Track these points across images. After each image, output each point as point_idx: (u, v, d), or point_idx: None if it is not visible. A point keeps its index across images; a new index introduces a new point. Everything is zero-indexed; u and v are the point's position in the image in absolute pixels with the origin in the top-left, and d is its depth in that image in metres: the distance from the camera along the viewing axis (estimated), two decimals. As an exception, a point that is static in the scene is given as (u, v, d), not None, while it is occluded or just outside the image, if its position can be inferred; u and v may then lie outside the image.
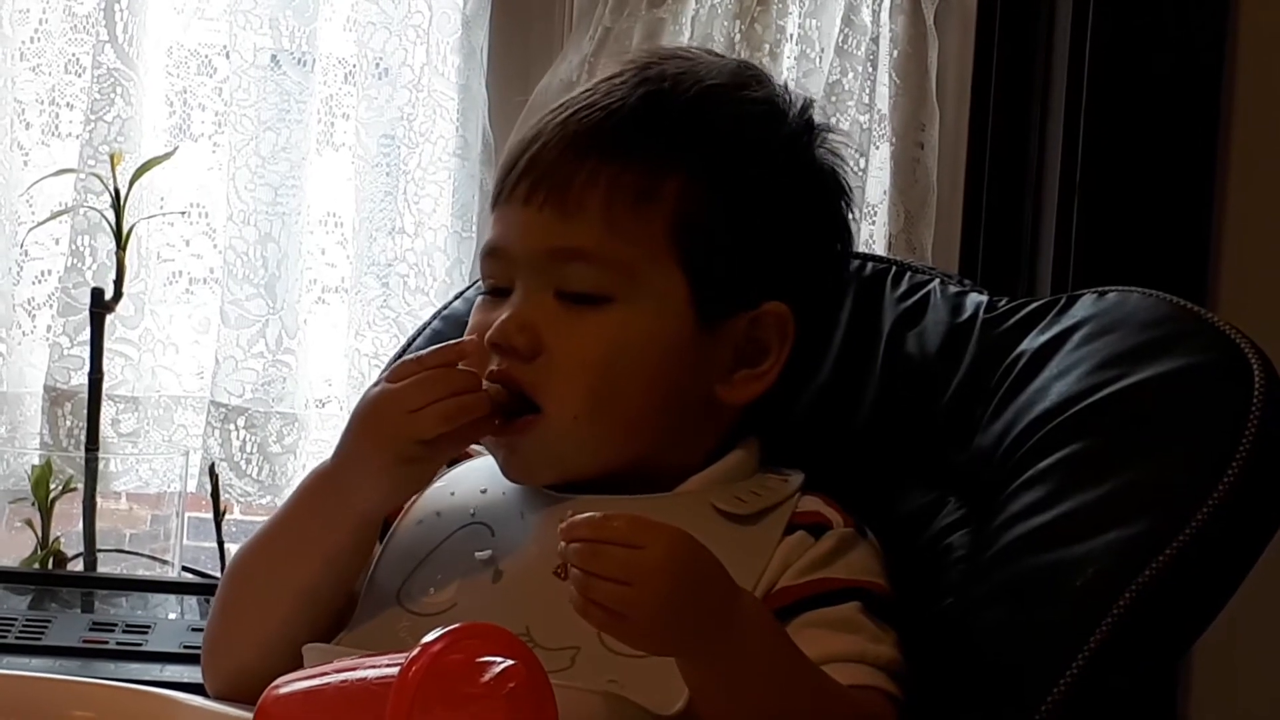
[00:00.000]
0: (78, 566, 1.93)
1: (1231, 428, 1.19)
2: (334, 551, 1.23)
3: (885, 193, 2.19)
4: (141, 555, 2.01)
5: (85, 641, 1.60)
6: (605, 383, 1.21)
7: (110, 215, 2.00)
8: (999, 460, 1.28)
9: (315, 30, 2.13)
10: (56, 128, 2.14)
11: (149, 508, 2.16)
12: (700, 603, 1.06)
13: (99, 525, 1.96)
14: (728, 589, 1.08)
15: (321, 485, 1.24)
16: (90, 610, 1.72)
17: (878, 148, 2.18)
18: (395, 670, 0.90)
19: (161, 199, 2.13)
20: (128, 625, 1.65)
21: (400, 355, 1.48)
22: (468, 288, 1.57)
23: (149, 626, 1.65)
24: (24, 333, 2.14)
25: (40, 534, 1.94)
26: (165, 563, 2.00)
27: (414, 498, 1.27)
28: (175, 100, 2.16)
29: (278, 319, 2.13)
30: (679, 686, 1.10)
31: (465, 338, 1.25)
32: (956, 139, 2.20)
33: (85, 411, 2.00)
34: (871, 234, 2.18)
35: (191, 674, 1.42)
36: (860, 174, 2.12)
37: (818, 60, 2.17)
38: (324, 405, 2.19)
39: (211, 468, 2.06)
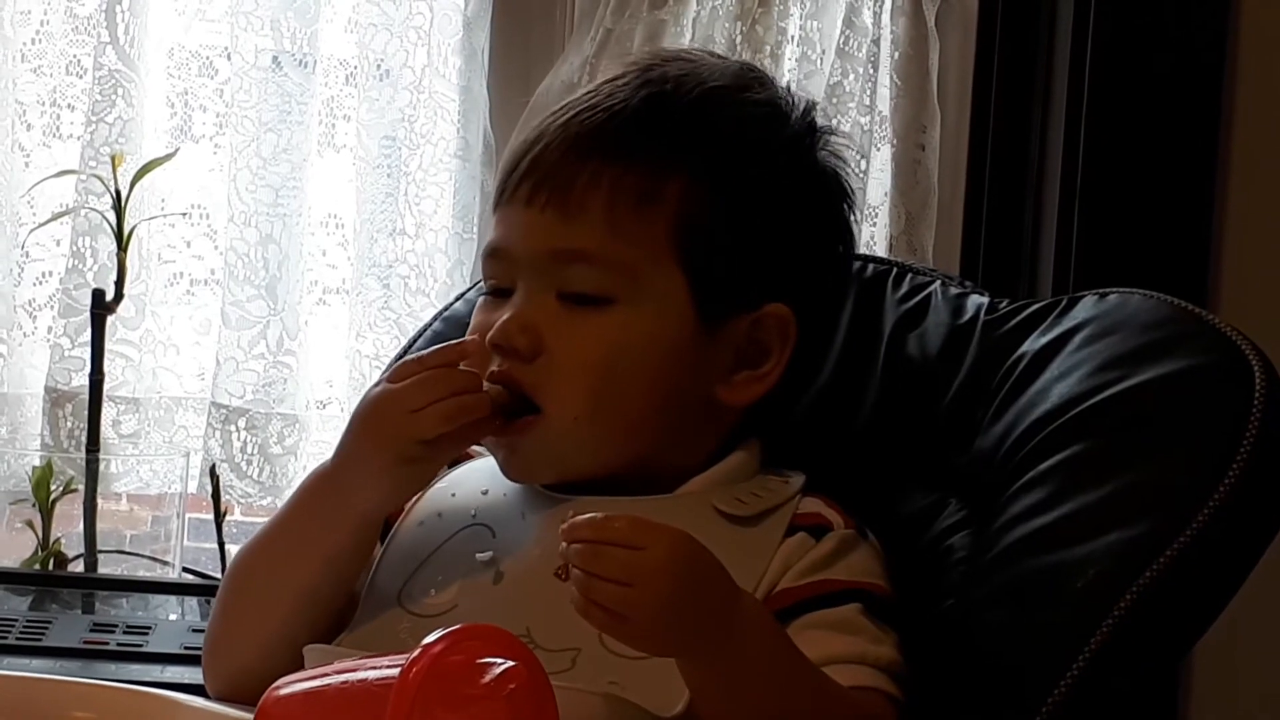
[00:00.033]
0: (78, 567, 1.93)
1: (1232, 429, 1.19)
2: (334, 552, 1.23)
3: (886, 194, 2.19)
4: (142, 556, 2.01)
5: (86, 642, 1.60)
6: (606, 384, 1.21)
7: (111, 216, 2.01)
8: (1000, 462, 1.28)
9: (316, 32, 2.14)
10: (58, 129, 2.14)
11: (150, 509, 2.16)
12: (701, 604, 1.06)
13: (100, 526, 1.96)
14: (728, 590, 1.08)
15: (322, 486, 1.24)
16: (91, 611, 1.72)
17: (879, 149, 2.18)
18: (396, 671, 0.90)
19: (163, 200, 2.13)
20: (128, 626, 1.65)
21: (401, 356, 1.48)
22: (469, 289, 1.57)
23: (149, 627, 1.65)
24: (25, 334, 2.14)
25: (41, 535, 1.94)
26: (166, 564, 2.00)
27: (415, 499, 1.27)
28: (176, 101, 2.16)
29: (278, 320, 2.13)
30: (679, 688, 1.10)
31: (467, 338, 1.25)
32: (957, 141, 2.20)
33: (86, 413, 2.00)
34: (872, 235, 2.18)
35: (192, 675, 1.42)
36: (861, 176, 2.12)
37: (819, 62, 2.17)
38: (325, 406, 2.19)
39: (212, 469, 2.06)
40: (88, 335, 2.01)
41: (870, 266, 1.45)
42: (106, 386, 2.01)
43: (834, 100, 2.14)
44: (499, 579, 1.21)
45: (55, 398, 2.10)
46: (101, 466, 1.99)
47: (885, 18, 2.16)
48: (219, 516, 2.02)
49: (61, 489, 1.95)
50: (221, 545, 2.01)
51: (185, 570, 2.00)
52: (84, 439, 2.01)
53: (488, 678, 0.90)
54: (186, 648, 1.59)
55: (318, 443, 2.16)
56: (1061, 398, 1.26)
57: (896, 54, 2.17)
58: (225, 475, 2.10)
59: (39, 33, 2.12)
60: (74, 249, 2.10)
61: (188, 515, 2.05)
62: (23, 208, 2.12)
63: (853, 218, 1.33)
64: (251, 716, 0.98)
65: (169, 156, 2.07)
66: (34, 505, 1.94)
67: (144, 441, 2.14)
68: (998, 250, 2.19)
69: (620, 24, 2.13)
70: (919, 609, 1.25)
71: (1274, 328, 1.46)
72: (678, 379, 1.23)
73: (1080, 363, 1.28)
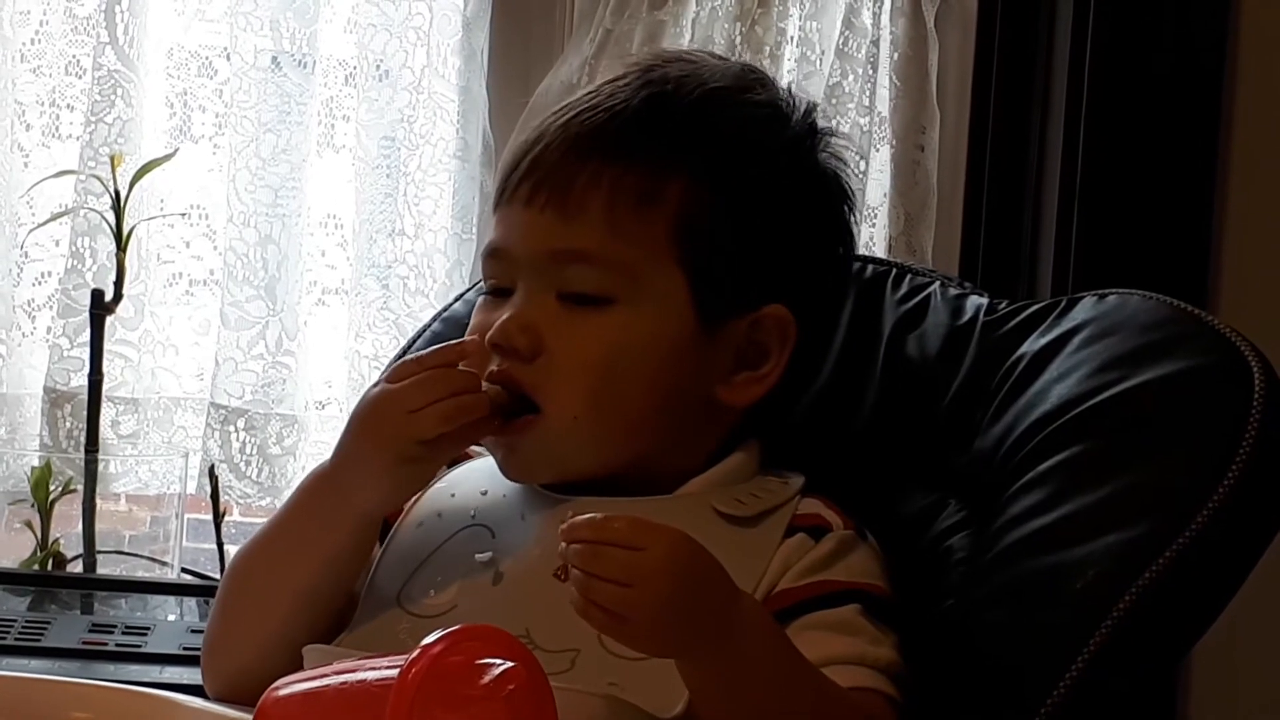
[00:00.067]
0: (77, 568, 1.93)
1: (1232, 430, 1.19)
2: (334, 552, 1.23)
3: (885, 195, 2.19)
4: (141, 557, 2.01)
5: (84, 643, 1.60)
6: (606, 384, 1.21)
7: (110, 217, 2.01)
8: (999, 463, 1.28)
9: (316, 32, 2.14)
10: (57, 129, 2.14)
11: (148, 509, 2.16)
12: (700, 604, 1.06)
13: (98, 527, 1.96)
14: (728, 591, 1.08)
15: (321, 486, 1.24)
16: (90, 612, 1.72)
17: (878, 150, 2.19)
18: (395, 672, 0.90)
19: (162, 201, 2.13)
20: (127, 627, 1.65)
21: (400, 357, 1.48)
22: (468, 290, 1.57)
23: (148, 628, 1.65)
24: (24, 334, 2.14)
25: (40, 535, 1.94)
26: (165, 564, 2.00)
27: (414, 499, 1.27)
28: (176, 102, 2.16)
29: (278, 321, 2.13)
30: (679, 689, 1.10)
31: (466, 338, 1.25)
32: (957, 141, 2.20)
33: (85, 413, 2.00)
34: (871, 236, 2.19)
35: (191, 675, 1.42)
36: (860, 176, 2.12)
37: (818, 63, 2.17)
38: (324, 407, 2.19)
39: (211, 469, 2.06)
40: (87, 335, 2.00)
41: (869, 267, 1.45)
42: (105, 387, 2.01)
43: (833, 101, 2.14)
44: (498, 579, 1.21)
45: (54, 398, 2.10)
46: (100, 467, 1.99)
47: (884, 18, 2.16)
48: (218, 517, 2.02)
49: (60, 489, 1.95)
50: (220, 546, 2.01)
51: (184, 571, 2.00)
52: (83, 439, 2.01)
53: (487, 679, 0.90)
54: (185, 648, 1.59)
55: (317, 443, 2.16)
56: (1061, 398, 1.26)
57: (896, 55, 2.17)
58: (224, 476, 2.10)
59: (38, 33, 2.12)
60: (73, 249, 2.10)
61: (186, 516, 2.05)
62: (22, 208, 2.12)
63: (853, 219, 1.33)
64: (250, 717, 0.98)
65: (168, 157, 2.07)
66: (33, 505, 1.94)
67: (143, 442, 2.14)
68: (997, 251, 2.19)
69: (619, 25, 2.13)
70: (918, 610, 1.25)
71: (1273, 329, 1.46)
72: (677, 379, 1.23)
73: (1079, 364, 1.28)
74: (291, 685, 0.98)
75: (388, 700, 0.89)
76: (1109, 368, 1.26)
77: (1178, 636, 1.20)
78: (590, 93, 1.27)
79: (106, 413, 2.05)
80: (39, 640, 1.60)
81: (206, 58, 2.16)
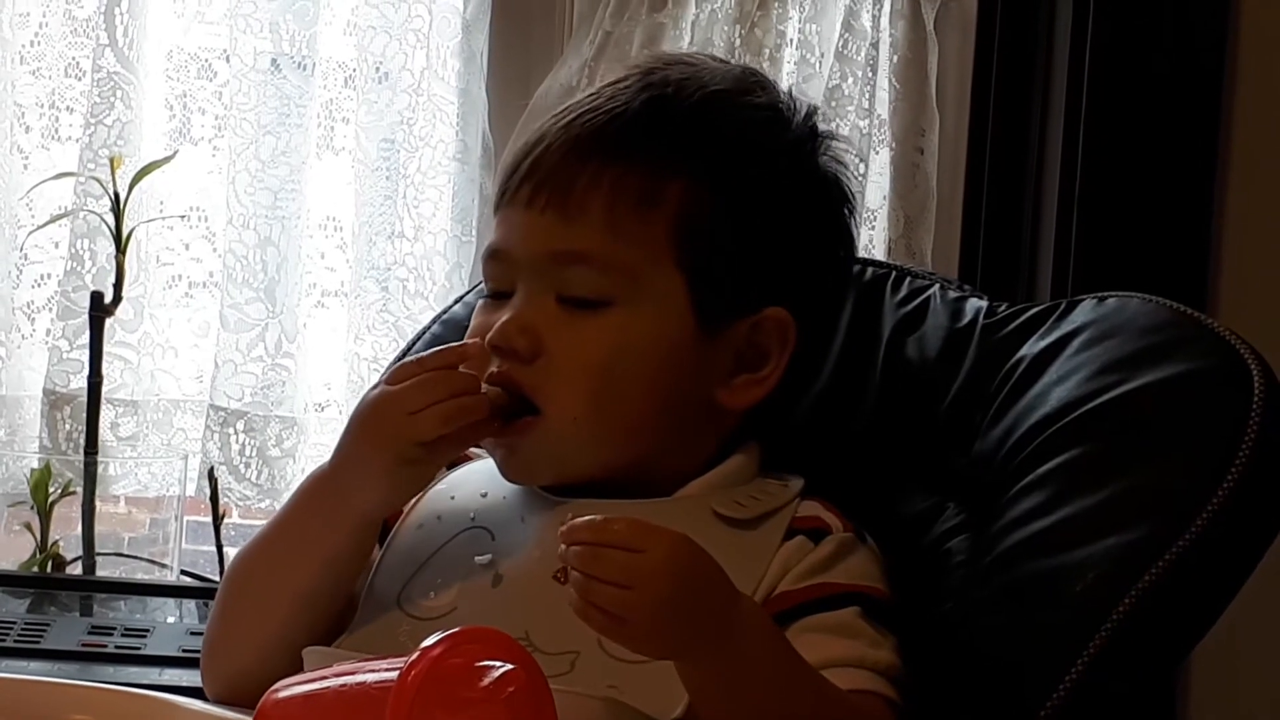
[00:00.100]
0: (76, 570, 1.93)
1: (1231, 433, 1.19)
2: (333, 554, 1.23)
3: (885, 198, 2.19)
4: (140, 559, 2.01)
5: (84, 645, 1.60)
6: (605, 386, 1.21)
7: (110, 219, 2.00)
8: (999, 465, 1.28)
9: (315, 34, 2.14)
10: (56, 131, 2.14)
11: (148, 511, 2.16)
12: (700, 606, 1.06)
13: (98, 529, 1.96)
14: (728, 593, 1.08)
15: (320, 487, 1.24)
16: (89, 614, 1.72)
17: (877, 153, 2.19)
18: (394, 674, 0.90)
19: (161, 203, 2.13)
20: (126, 629, 1.65)
21: (399, 359, 1.48)
22: (467, 292, 1.57)
23: (148, 630, 1.65)
24: (23, 336, 2.14)
25: (39, 537, 1.94)
26: (164, 566, 2.00)
27: (414, 501, 1.27)
28: (175, 104, 2.16)
29: (277, 323, 2.13)
30: (678, 692, 1.10)
31: (466, 340, 1.25)
32: (956, 144, 2.20)
33: (84, 415, 2.00)
34: (871, 239, 2.19)
35: (190, 678, 1.42)
36: (860, 179, 2.12)
37: (818, 65, 2.17)
38: (323, 409, 2.19)
39: (211, 471, 2.06)
40: (86, 337, 2.00)
41: (869, 270, 1.45)
42: (105, 389, 2.01)
43: (833, 104, 2.14)
44: (498, 582, 1.21)
45: (54, 400, 2.10)
46: (100, 469, 1.99)
47: (884, 21, 2.17)
48: (217, 519, 2.02)
49: (60, 491, 1.95)
50: (220, 548, 2.01)
51: (183, 573, 2.00)
52: (82, 441, 2.01)
53: (486, 681, 0.90)
54: (185, 650, 1.58)
55: (316, 445, 2.16)
56: (1060, 401, 1.26)
57: (895, 57, 2.17)
58: (224, 478, 2.10)
59: (38, 35, 2.12)
60: (72, 251, 2.10)
61: (186, 518, 2.05)
62: (21, 210, 2.12)
63: (853, 222, 1.33)
64: (250, 719, 0.98)
65: (168, 159, 2.07)
66: (32, 508, 1.94)
67: (142, 444, 2.14)
68: (996, 253, 2.19)
69: (619, 27, 2.13)
70: (918, 612, 1.25)
71: (1273, 331, 1.46)
72: (677, 381, 1.23)
73: (1079, 366, 1.28)
74: (291, 687, 0.98)
75: (387, 702, 0.89)
76: (1108, 370, 1.26)
77: (1177, 639, 1.20)
78: (591, 95, 1.27)
79: (106, 415, 2.05)
80: (38, 642, 1.60)
81: (206, 60, 2.16)
